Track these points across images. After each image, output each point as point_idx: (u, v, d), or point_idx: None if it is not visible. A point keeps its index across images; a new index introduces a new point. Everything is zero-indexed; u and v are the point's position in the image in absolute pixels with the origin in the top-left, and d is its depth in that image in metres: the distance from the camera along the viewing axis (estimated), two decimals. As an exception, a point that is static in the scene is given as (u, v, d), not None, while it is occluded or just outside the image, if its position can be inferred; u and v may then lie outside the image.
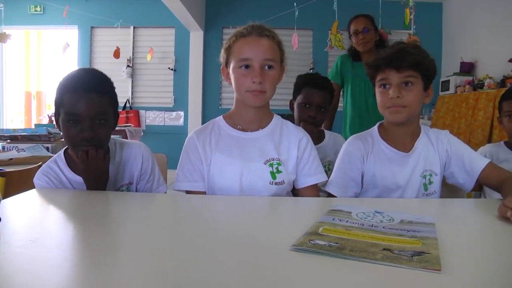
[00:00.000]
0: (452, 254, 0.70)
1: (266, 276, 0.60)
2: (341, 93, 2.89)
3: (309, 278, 0.60)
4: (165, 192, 1.44)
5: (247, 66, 1.25)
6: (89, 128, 1.21)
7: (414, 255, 0.66)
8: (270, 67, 1.26)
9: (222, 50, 1.34)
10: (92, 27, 6.17)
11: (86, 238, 0.79)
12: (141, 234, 0.82)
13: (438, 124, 4.99)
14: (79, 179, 1.29)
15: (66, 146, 1.34)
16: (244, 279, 0.58)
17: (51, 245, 0.73)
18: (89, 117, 1.21)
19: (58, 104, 1.25)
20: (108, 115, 1.28)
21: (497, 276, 0.62)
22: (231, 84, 1.31)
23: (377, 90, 1.37)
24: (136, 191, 1.40)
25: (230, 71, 1.30)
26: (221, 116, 1.40)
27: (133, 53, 6.21)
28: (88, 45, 6.17)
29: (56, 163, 1.32)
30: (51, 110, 5.98)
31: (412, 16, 2.73)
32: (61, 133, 1.31)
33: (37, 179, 1.29)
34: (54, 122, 1.28)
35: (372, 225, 0.84)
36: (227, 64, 1.33)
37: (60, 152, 1.36)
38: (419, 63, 1.27)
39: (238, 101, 1.35)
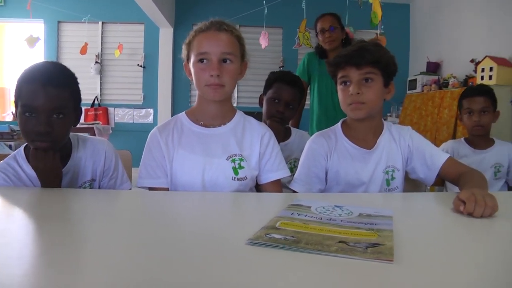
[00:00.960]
0: (406, 245, 0.71)
1: (221, 270, 0.59)
2: (308, 91, 2.91)
3: (263, 271, 0.59)
4: (130, 189, 1.41)
5: (205, 60, 1.25)
6: (45, 122, 1.16)
7: (369, 246, 0.67)
8: (228, 61, 1.26)
9: (184, 46, 1.34)
10: (59, 22, 6.00)
11: (45, 236, 0.76)
12: (101, 231, 0.80)
13: (405, 122, 5.11)
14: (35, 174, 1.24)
15: (26, 143, 1.30)
16: (199, 274, 0.57)
17: (7, 242, 0.70)
18: (46, 111, 1.17)
19: (17, 96, 1.20)
20: (67, 110, 1.23)
21: (446, 265, 0.63)
22: (193, 80, 1.30)
23: (339, 88, 1.38)
24: (99, 188, 1.36)
25: (191, 66, 1.30)
26: (184, 112, 1.39)
27: (101, 49, 6.09)
28: (55, 40, 6.00)
29: (15, 159, 1.27)
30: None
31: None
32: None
33: None
34: (14, 116, 1.25)
35: (331, 218, 0.84)
36: (188, 59, 1.32)
37: (20, 148, 1.31)
38: (378, 60, 1.29)
39: (200, 97, 1.34)
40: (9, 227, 0.81)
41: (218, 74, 1.23)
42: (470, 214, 0.92)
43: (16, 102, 1.22)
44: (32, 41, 4.99)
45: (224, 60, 1.26)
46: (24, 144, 1.31)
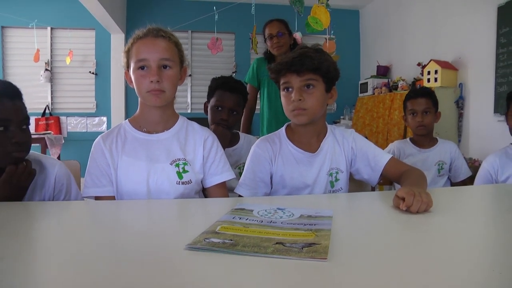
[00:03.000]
0: (343, 243, 0.73)
1: (159, 275, 0.59)
2: (258, 96, 2.94)
3: (201, 275, 0.60)
4: None
5: (144, 67, 1.25)
6: (20, 132, 1.19)
7: (305, 246, 0.69)
8: (167, 66, 1.27)
9: (123, 54, 1.34)
10: (3, 27, 5.72)
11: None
12: (47, 243, 0.79)
13: (358, 124, 5.26)
14: None
15: None
16: (139, 280, 0.57)
17: None
18: (17, 122, 1.19)
19: None
20: (29, 121, 1.25)
21: (380, 261, 0.66)
22: (134, 87, 1.29)
23: (281, 94, 1.40)
24: None
25: (131, 73, 1.29)
26: (127, 120, 1.39)
27: (51, 56, 5.85)
28: (-1, 47, 5.72)
29: None
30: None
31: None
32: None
33: None
34: None
35: (271, 221, 0.86)
36: (128, 67, 1.32)
37: None
38: (318, 66, 1.31)
39: (142, 103, 1.34)
40: None
41: (158, 80, 1.23)
42: (408, 209, 0.96)
43: None
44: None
45: (164, 66, 1.26)
46: None
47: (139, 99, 1.33)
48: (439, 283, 0.57)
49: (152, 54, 1.24)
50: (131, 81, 1.31)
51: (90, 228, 0.94)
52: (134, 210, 1.13)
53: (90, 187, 1.28)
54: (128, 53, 1.31)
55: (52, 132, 5.42)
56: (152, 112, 1.33)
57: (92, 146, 1.32)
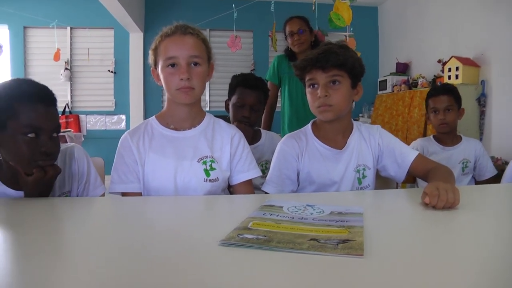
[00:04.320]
0: (376, 240, 0.72)
1: (194, 272, 0.59)
2: (279, 93, 2.93)
3: (236, 271, 0.60)
4: (103, 194, 1.39)
5: (174, 65, 1.25)
6: (50, 141, 1.17)
7: (340, 243, 0.68)
8: (196, 64, 1.27)
9: (150, 52, 1.34)
10: (25, 27, 5.82)
11: (18, 247, 0.74)
12: (75, 239, 0.79)
13: (377, 122, 5.20)
14: (7, 191, 1.21)
15: None
16: (174, 276, 0.57)
17: None
18: (49, 131, 1.17)
19: (3, 118, 1.13)
20: (60, 129, 1.24)
21: (414, 258, 0.65)
22: (162, 85, 1.30)
23: (307, 90, 1.40)
24: (76, 195, 1.34)
25: (159, 71, 1.30)
26: (154, 116, 1.39)
27: (71, 55, 5.94)
28: (21, 46, 5.80)
29: None
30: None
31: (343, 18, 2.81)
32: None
33: None
34: None
35: (302, 217, 0.85)
36: (156, 65, 1.32)
37: None
38: (344, 62, 1.30)
39: (170, 100, 1.34)
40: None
41: (188, 78, 1.23)
42: (434, 207, 0.95)
43: (2, 119, 1.13)
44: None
45: (192, 63, 1.26)
46: None
47: (166, 96, 1.34)
48: (476, 283, 0.56)
49: (182, 51, 1.25)
50: (158, 79, 1.32)
51: (120, 224, 0.94)
52: (162, 206, 1.13)
53: (117, 183, 1.29)
54: (155, 50, 1.31)
55: (72, 130, 5.51)
56: (180, 109, 1.34)
57: (119, 142, 1.33)
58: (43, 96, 1.18)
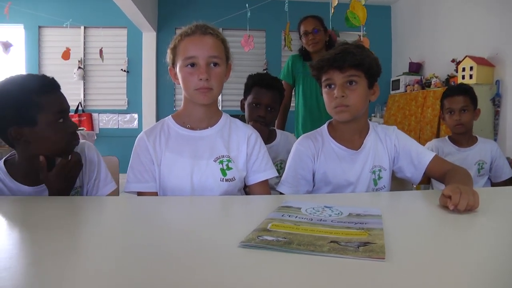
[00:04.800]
0: (396, 243, 0.72)
1: (215, 273, 0.59)
2: (293, 93, 2.93)
3: (257, 273, 0.60)
4: (114, 191, 1.41)
5: (193, 64, 1.26)
6: (72, 121, 1.28)
7: (360, 245, 0.68)
8: (215, 64, 1.27)
9: (168, 51, 1.34)
10: (39, 27, 5.90)
11: (34, 245, 0.75)
12: (91, 239, 0.79)
13: (390, 122, 5.17)
14: (22, 188, 1.24)
15: (6, 157, 1.29)
16: (194, 278, 0.58)
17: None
18: (68, 112, 1.29)
19: (30, 113, 1.17)
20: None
21: (436, 261, 0.64)
22: (179, 84, 1.31)
23: (323, 91, 1.39)
24: (87, 193, 1.36)
25: (177, 70, 1.30)
26: (170, 116, 1.40)
27: (84, 54, 6.00)
28: (36, 46, 5.89)
29: None
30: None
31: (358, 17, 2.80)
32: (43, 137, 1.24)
33: None
34: (4, 140, 1.21)
35: (321, 219, 0.85)
36: (174, 64, 1.32)
37: None
38: (361, 62, 1.30)
39: (187, 100, 1.35)
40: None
41: (207, 78, 1.24)
42: (455, 207, 0.94)
43: (28, 119, 1.18)
44: (6, 45, 4.90)
45: (212, 64, 1.26)
46: (3, 159, 1.29)
47: (183, 95, 1.34)
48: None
49: (201, 51, 1.25)
50: (176, 78, 1.32)
51: (137, 224, 0.94)
52: (178, 206, 1.14)
53: (133, 182, 1.30)
54: (174, 49, 1.31)
55: (85, 129, 5.57)
56: (197, 109, 1.34)
57: (136, 141, 1.34)
58: (53, 83, 1.26)
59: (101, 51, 5.72)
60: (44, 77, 1.25)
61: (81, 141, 1.39)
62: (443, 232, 0.86)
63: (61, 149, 1.24)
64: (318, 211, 0.92)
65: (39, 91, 1.19)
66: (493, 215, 0.97)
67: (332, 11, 2.59)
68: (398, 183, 1.57)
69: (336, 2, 2.51)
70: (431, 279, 0.57)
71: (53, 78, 1.27)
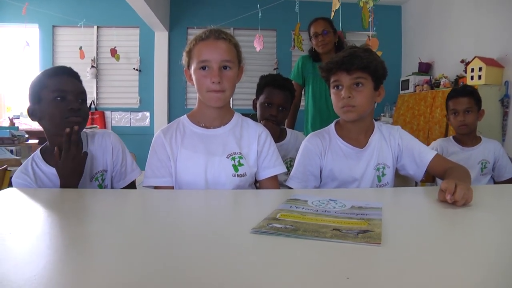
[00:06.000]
0: (392, 231, 0.79)
1: (229, 256, 0.67)
2: (303, 93, 2.99)
3: (267, 256, 0.67)
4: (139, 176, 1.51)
5: (206, 68, 1.34)
6: (76, 102, 1.37)
7: (360, 233, 0.75)
8: (228, 67, 1.35)
9: (184, 54, 1.43)
10: (54, 26, 6.03)
11: (60, 232, 0.83)
12: (111, 230, 0.85)
13: (399, 122, 5.21)
14: (54, 171, 1.35)
15: (42, 145, 1.44)
16: (209, 260, 0.65)
17: (22, 241, 0.75)
18: (74, 94, 1.37)
19: (38, 92, 1.35)
20: (85, 97, 1.44)
21: (428, 248, 0.72)
22: (194, 85, 1.39)
23: (331, 91, 1.47)
24: (112, 177, 1.48)
25: (192, 72, 1.38)
26: (185, 115, 1.48)
27: (97, 53, 6.12)
28: (50, 45, 6.02)
29: (34, 160, 1.40)
30: (12, 112, 5.78)
31: (371, 19, 2.86)
32: (42, 123, 1.40)
33: (15, 177, 1.36)
34: (29, 115, 1.40)
35: (326, 210, 0.93)
36: (189, 66, 1.41)
37: (36, 151, 1.44)
38: (367, 65, 1.38)
39: (201, 101, 1.43)
40: (24, 227, 0.86)
41: (219, 81, 1.32)
42: (452, 196, 1.00)
43: (35, 99, 1.36)
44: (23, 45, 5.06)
45: (224, 67, 1.34)
46: (40, 147, 1.44)
47: (197, 96, 1.42)
48: (486, 277, 0.61)
49: (214, 55, 1.33)
50: (191, 79, 1.41)
51: (154, 216, 1.00)
52: (193, 199, 1.22)
53: (150, 177, 1.39)
54: (189, 53, 1.39)
55: (98, 126, 5.69)
56: (210, 109, 1.42)
57: (153, 139, 1.43)
58: (67, 69, 1.42)
59: (112, 50, 5.83)
60: (63, 66, 1.43)
61: (106, 132, 1.53)
62: (439, 225, 0.93)
63: (57, 124, 1.34)
64: (323, 203, 0.99)
65: (49, 74, 1.37)
66: (491, 210, 1.04)
67: (333, 14, 2.65)
68: (401, 180, 1.63)
69: (338, 6, 2.57)
70: (422, 264, 0.64)
71: (67, 67, 1.42)
